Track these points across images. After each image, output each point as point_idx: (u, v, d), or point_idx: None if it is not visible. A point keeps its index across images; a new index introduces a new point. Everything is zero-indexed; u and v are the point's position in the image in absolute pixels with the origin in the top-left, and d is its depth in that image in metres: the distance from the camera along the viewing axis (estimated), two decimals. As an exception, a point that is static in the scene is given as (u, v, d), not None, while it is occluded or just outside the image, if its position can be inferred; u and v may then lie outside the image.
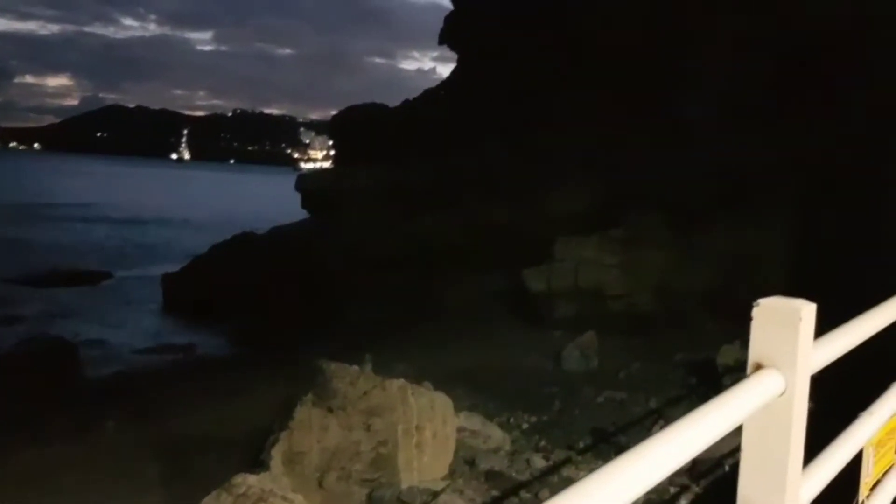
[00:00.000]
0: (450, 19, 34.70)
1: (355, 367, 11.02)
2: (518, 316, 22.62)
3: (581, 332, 20.09)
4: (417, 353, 18.18)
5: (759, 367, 1.79)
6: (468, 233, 26.36)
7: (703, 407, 1.54)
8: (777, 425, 1.80)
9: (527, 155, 26.48)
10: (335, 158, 40.65)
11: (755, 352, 1.81)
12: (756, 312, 1.80)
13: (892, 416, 2.64)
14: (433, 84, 38.33)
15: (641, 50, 25.11)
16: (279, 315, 25.59)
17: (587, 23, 26.66)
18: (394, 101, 36.74)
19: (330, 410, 10.19)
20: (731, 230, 21.53)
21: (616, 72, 25.81)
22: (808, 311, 1.80)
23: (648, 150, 24.02)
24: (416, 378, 11.97)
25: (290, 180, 39.04)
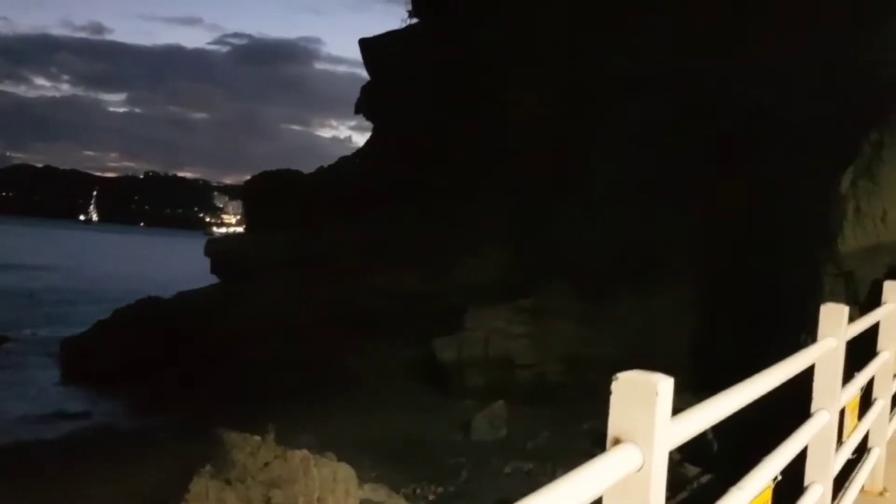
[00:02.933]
0: (367, 89, 35.09)
1: (257, 438, 10.73)
2: (427, 385, 22.49)
3: (490, 401, 20.11)
4: (324, 422, 17.85)
5: (617, 441, 1.81)
6: (380, 301, 26.25)
7: (559, 481, 1.54)
8: (636, 500, 1.81)
9: (440, 224, 26.71)
10: (247, 223, 40.17)
11: (614, 426, 1.83)
12: (615, 387, 1.83)
13: (762, 491, 2.69)
14: (349, 152, 38.40)
15: (555, 126, 25.83)
16: (181, 383, 24.83)
17: (501, 99, 27.34)
18: (309, 168, 36.69)
19: (228, 482, 9.86)
20: (639, 300, 22.02)
21: (529, 147, 26.43)
22: (665, 385, 1.83)
23: (559, 222, 24.53)
24: (322, 448, 11.73)
25: (201, 245, 38.31)
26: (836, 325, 3.91)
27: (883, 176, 15.43)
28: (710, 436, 15.10)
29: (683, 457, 15.34)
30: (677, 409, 2.23)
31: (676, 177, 21.86)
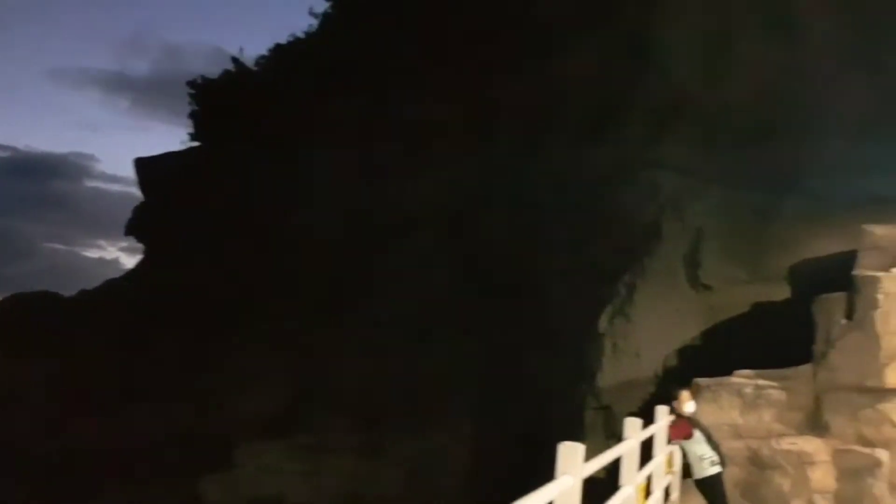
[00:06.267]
0: (139, 210, 33.80)
1: None
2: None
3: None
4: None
5: None
6: (142, 436, 24.38)
7: None
8: None
9: (211, 354, 25.53)
10: (-4, 350, 36.55)
11: None
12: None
13: None
14: (117, 274, 36.48)
15: (332, 258, 25.87)
16: None
17: (277, 230, 27.16)
18: (71, 290, 34.26)
19: None
20: (418, 434, 21.86)
21: (306, 276, 26.22)
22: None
23: (338, 353, 24.20)
24: None
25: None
26: (572, 463, 3.88)
27: (636, 315, 16.57)
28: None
29: None
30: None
31: (451, 311, 22.37)
